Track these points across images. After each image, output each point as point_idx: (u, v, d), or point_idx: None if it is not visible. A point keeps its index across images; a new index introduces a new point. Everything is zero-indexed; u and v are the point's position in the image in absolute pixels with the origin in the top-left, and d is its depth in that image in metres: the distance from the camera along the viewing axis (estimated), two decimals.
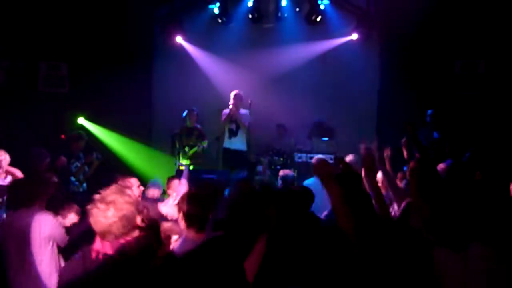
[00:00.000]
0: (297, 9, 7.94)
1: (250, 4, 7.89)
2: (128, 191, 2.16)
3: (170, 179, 4.85)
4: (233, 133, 6.82)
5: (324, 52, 7.84)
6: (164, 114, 8.01)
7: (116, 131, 7.42)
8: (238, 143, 6.87)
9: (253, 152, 7.18)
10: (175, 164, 7.05)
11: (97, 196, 2.08)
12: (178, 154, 7.10)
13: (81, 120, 7.32)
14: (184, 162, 6.96)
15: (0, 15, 6.65)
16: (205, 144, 6.99)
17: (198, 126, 7.11)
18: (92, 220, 2.04)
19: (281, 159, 7.32)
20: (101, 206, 2.03)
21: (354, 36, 7.70)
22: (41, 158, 5.30)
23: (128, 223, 2.04)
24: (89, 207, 2.06)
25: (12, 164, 4.76)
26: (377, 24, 7.67)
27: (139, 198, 3.83)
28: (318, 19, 7.72)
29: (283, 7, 7.83)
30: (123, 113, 7.24)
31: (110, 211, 2.02)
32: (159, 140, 7.95)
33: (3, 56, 7.22)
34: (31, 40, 7.21)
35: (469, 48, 6.91)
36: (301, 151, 7.01)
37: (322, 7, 7.70)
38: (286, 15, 7.92)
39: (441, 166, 3.55)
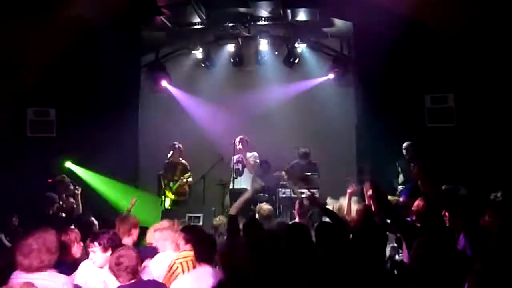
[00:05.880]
0: (276, 53, 8.42)
1: (231, 49, 8.35)
2: None
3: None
4: (239, 173, 6.95)
5: (303, 92, 8.22)
6: (150, 156, 8.14)
7: (103, 174, 7.45)
8: (243, 182, 6.94)
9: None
10: (161, 204, 7.14)
11: None
12: (164, 194, 7.21)
13: (68, 164, 7.39)
14: (169, 198, 7.08)
15: None
16: (188, 177, 7.11)
17: (183, 161, 7.27)
18: None
19: (266, 195, 7.47)
20: None
21: (331, 75, 8.14)
22: (51, 202, 5.68)
23: None
24: None
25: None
26: (351, 64, 8.12)
27: None
28: (296, 61, 8.20)
29: (263, 51, 8.27)
30: (111, 156, 7.21)
31: None
32: (146, 182, 8.06)
33: None
34: (17, 87, 7.24)
35: (438, 83, 7.34)
36: (285, 187, 7.16)
37: (299, 50, 8.20)
38: (266, 58, 8.36)
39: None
